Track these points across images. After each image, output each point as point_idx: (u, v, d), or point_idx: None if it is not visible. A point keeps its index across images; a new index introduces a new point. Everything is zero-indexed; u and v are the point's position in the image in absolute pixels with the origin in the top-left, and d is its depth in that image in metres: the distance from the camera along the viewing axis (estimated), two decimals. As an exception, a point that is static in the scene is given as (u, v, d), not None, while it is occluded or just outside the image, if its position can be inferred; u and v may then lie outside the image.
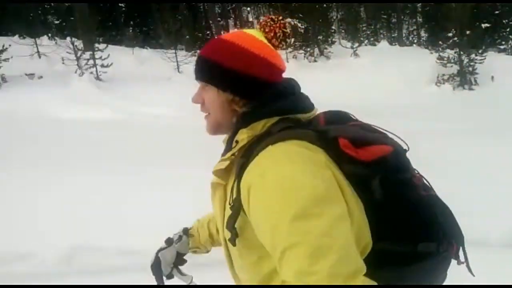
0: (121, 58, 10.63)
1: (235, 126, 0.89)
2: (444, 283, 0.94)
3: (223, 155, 0.91)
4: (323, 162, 0.79)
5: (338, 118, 0.92)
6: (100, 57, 9.86)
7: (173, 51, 11.90)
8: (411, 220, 0.84)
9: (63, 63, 9.84)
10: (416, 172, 0.91)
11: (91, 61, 9.84)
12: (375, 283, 0.72)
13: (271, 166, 0.78)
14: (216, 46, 0.94)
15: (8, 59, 9.48)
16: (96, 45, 10.50)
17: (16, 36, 11.76)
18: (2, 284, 2.63)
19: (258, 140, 0.84)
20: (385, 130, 0.91)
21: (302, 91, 0.96)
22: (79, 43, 10.33)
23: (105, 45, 10.95)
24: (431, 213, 0.86)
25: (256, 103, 0.88)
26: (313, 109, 0.94)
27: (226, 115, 0.92)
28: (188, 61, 11.04)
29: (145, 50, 14.47)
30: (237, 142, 0.86)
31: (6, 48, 9.43)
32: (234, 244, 0.83)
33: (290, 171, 0.76)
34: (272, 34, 0.97)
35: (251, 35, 0.94)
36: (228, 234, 0.83)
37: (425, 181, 0.91)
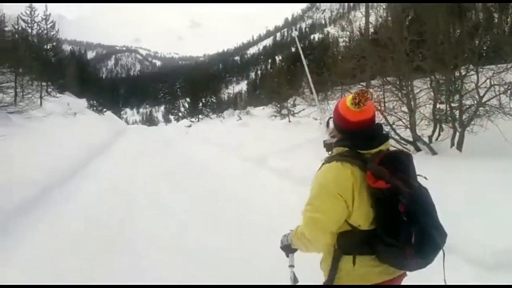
0: None
1: (333, 145, 1.92)
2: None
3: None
4: (348, 175, 1.72)
5: (391, 158, 1.73)
6: None
7: None
8: (386, 222, 1.67)
9: None
10: (409, 199, 1.63)
11: None
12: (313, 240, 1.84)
13: (320, 172, 1.84)
14: (335, 107, 1.93)
15: None
16: None
17: None
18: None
19: (335, 155, 1.84)
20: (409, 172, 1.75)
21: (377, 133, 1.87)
22: None
23: None
24: (401, 224, 1.62)
25: (342, 138, 1.89)
26: (373, 148, 1.78)
27: None
28: None
29: None
30: (332, 152, 1.91)
31: None
32: None
33: (325, 175, 1.80)
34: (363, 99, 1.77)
35: (344, 101, 1.86)
36: None
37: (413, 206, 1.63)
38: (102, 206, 6.27)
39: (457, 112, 7.12)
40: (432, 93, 7.70)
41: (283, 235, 2.14)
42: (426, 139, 7.53)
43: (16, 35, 18.61)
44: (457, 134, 7.03)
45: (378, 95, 8.54)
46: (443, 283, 1.86)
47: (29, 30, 20.71)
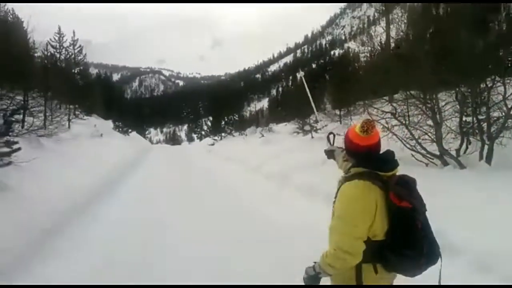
0: None
1: (350, 167, 2.21)
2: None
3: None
4: (372, 192, 2.02)
5: (403, 182, 2.06)
6: None
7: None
8: (405, 236, 1.96)
9: None
10: (422, 217, 2.01)
11: None
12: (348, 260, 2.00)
13: (346, 189, 2.10)
14: (345, 135, 2.27)
15: None
16: None
17: None
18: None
19: (354, 175, 2.11)
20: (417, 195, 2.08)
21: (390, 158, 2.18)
22: None
23: None
24: (418, 238, 1.95)
25: (355, 160, 2.19)
26: (388, 171, 2.10)
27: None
28: None
29: None
30: (350, 172, 2.18)
31: None
32: None
33: (351, 192, 2.06)
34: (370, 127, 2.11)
35: (353, 129, 2.19)
36: None
37: (424, 222, 2.02)
38: (126, 231, 6.34)
39: (484, 125, 6.94)
40: (457, 106, 7.53)
41: (307, 267, 2.24)
42: (453, 153, 7.34)
43: (46, 61, 19.37)
44: (486, 147, 6.84)
45: (402, 109, 8.40)
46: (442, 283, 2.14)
47: (58, 55, 21.49)
